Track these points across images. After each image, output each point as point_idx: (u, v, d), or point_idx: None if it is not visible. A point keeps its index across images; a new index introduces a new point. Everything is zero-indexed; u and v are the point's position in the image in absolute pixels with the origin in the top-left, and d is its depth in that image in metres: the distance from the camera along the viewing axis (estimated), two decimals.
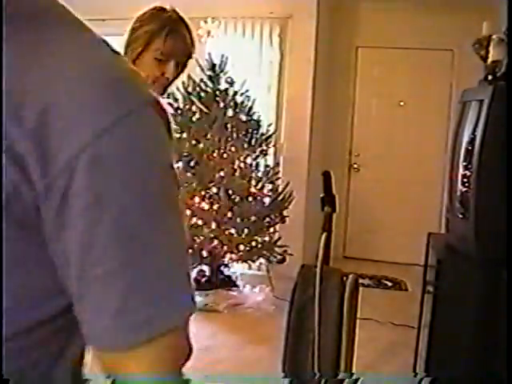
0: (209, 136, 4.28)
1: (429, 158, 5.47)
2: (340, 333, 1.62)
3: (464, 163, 2.33)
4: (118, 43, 1.61)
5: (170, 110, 4.15)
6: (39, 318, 0.55)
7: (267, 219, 4.37)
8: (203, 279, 4.45)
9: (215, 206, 4.20)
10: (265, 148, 4.49)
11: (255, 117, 4.46)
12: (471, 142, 2.24)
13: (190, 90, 4.45)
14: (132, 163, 0.52)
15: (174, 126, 4.41)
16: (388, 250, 5.57)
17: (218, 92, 4.36)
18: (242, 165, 4.32)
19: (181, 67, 1.70)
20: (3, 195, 0.49)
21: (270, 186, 4.40)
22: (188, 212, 4.21)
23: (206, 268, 4.49)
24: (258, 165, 4.46)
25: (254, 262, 4.42)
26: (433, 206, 5.35)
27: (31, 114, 0.49)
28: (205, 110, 4.33)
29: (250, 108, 4.43)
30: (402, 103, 5.63)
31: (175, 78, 1.73)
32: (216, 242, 4.20)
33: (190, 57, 1.72)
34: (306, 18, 4.84)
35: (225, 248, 4.28)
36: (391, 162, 5.67)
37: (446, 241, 2.59)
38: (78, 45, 0.54)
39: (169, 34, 1.64)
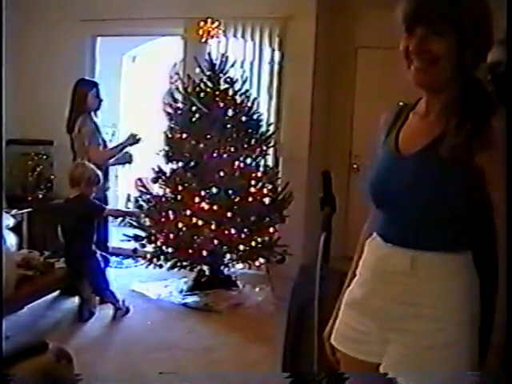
0: (209, 136, 4.28)
1: None
2: None
3: None
4: None
5: None
6: None
7: (267, 219, 4.37)
8: (203, 279, 4.46)
9: (215, 206, 4.20)
10: (265, 148, 4.49)
11: (255, 117, 4.46)
12: None
13: (189, 90, 4.46)
14: None
15: (173, 126, 4.42)
16: None
17: (217, 92, 4.36)
18: (241, 165, 4.32)
19: (456, 41, 1.21)
20: None
21: (269, 186, 4.40)
22: (188, 212, 4.21)
23: (206, 268, 4.49)
24: (258, 165, 4.46)
25: (253, 261, 4.42)
26: None
27: None
28: (205, 110, 4.33)
29: (250, 108, 4.44)
30: (401, 103, 5.62)
31: (464, 58, 1.22)
32: (216, 241, 4.20)
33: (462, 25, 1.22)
34: (306, 18, 4.85)
35: (225, 248, 4.28)
36: None
37: None
38: None
39: None
